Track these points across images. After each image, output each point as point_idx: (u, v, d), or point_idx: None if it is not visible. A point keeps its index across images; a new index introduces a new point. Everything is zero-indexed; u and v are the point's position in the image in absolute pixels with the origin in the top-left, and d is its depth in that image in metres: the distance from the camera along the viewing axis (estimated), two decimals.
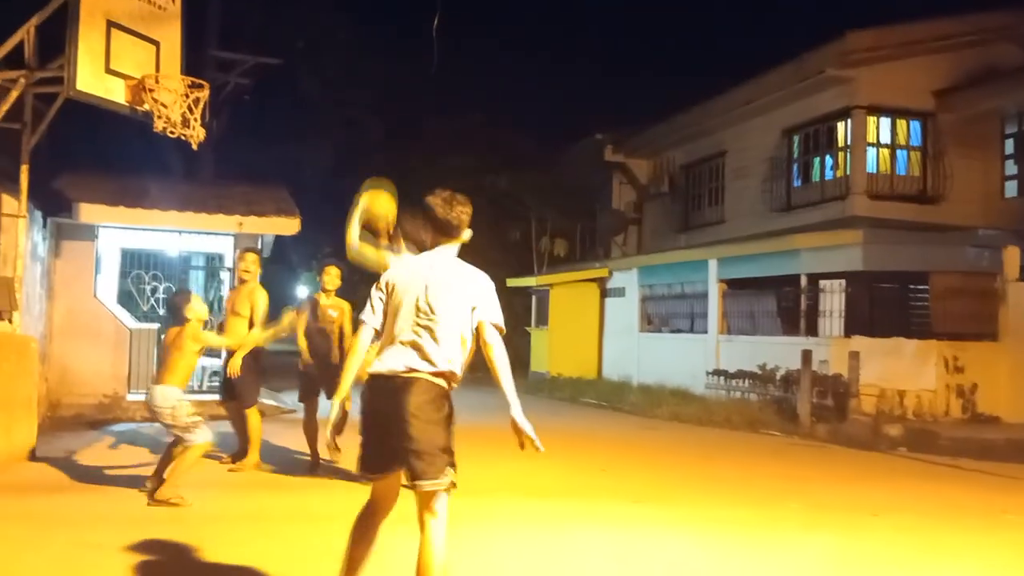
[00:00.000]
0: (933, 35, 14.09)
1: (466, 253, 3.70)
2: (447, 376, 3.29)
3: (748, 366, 12.92)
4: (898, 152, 14.30)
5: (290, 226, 11.32)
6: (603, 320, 17.91)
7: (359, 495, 3.51)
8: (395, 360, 3.26)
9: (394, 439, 3.20)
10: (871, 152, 14.04)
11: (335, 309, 7.17)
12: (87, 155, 15.88)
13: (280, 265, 28.41)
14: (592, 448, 9.19)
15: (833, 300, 12.54)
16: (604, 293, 17.96)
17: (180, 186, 12.58)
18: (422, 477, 3.18)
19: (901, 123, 14.28)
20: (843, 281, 12.44)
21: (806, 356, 11.00)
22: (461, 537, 4.89)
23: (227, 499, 5.95)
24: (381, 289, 3.43)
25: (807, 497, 6.66)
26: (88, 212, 10.19)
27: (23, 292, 8.18)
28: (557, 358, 17.77)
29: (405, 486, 3.29)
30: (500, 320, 3.38)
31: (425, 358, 3.25)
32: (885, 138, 14.24)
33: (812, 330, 12.63)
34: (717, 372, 13.65)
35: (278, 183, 13.03)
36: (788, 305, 13.24)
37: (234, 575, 4.16)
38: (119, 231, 11.13)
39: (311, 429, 6.99)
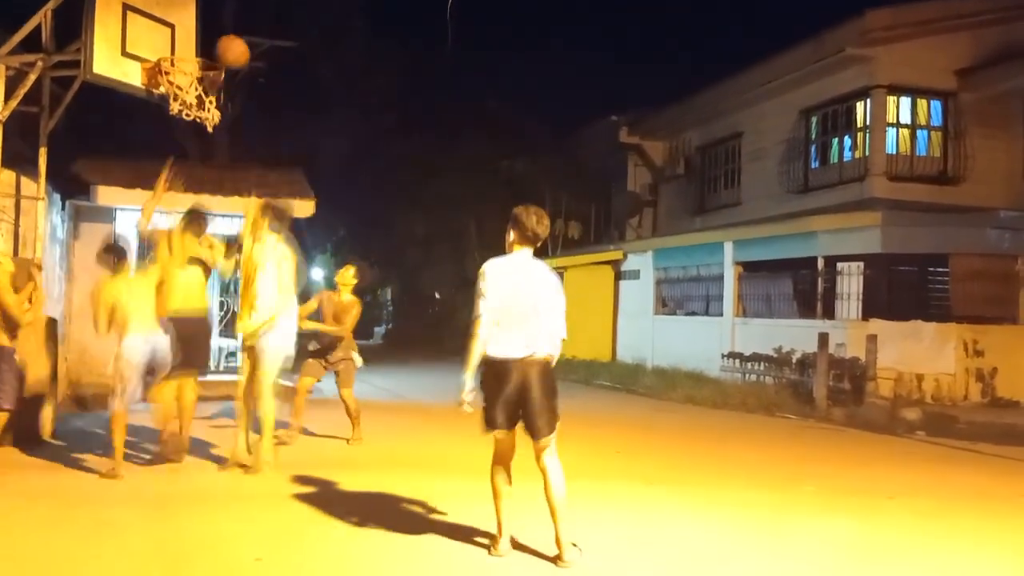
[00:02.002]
0: (954, 13, 13.84)
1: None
2: (550, 358, 4.30)
3: (764, 349, 12.87)
4: (918, 132, 14.12)
5: (305, 208, 11.35)
6: (617, 303, 17.87)
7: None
8: (515, 347, 4.20)
9: (520, 406, 4.21)
10: (890, 132, 13.86)
11: (348, 306, 7.55)
12: (104, 138, 15.97)
13: (294, 247, 28.51)
14: (606, 430, 9.19)
15: (851, 283, 12.45)
16: (619, 276, 17.91)
17: (196, 169, 12.62)
18: (543, 433, 4.20)
19: (921, 103, 14.08)
20: (861, 263, 12.34)
21: (823, 339, 10.94)
22: (474, 518, 4.93)
23: (246, 479, 6.01)
24: (485, 289, 4.24)
25: (823, 480, 6.64)
26: (106, 195, 10.27)
27: (43, 274, 8.26)
28: (571, 340, 17.40)
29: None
30: (564, 334, 4.40)
31: (537, 346, 4.23)
32: (905, 118, 14.05)
33: (829, 313, 12.55)
34: (732, 355, 13.60)
35: (293, 166, 13.05)
36: (805, 288, 13.15)
37: (250, 552, 4.20)
38: (136, 213, 11.17)
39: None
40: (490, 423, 4.26)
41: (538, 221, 4.34)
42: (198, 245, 6.57)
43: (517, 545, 4.42)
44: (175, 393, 6.44)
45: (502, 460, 4.32)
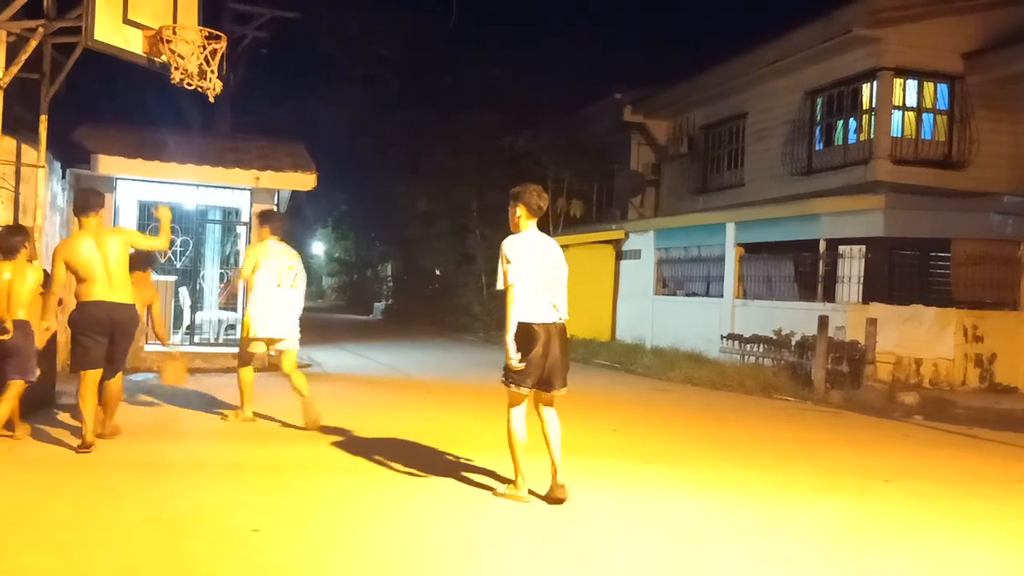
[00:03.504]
0: None
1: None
2: (567, 321, 5.00)
3: (763, 331, 12.86)
4: (924, 115, 14.01)
5: (306, 181, 11.31)
6: (618, 282, 17.85)
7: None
8: (546, 313, 4.85)
9: (550, 364, 4.83)
10: (896, 115, 13.75)
11: None
12: (105, 107, 15.90)
13: (296, 220, 28.46)
14: (604, 409, 9.22)
15: (852, 266, 12.42)
16: (620, 255, 17.88)
17: (197, 140, 12.57)
18: (560, 386, 4.94)
19: (928, 85, 13.96)
20: (863, 247, 12.30)
21: (822, 322, 10.93)
22: (470, 493, 4.96)
23: (249, 449, 6.04)
24: (512, 260, 4.78)
25: (819, 461, 6.67)
26: (107, 164, 10.23)
27: (43, 242, 8.25)
28: (570, 319, 17.71)
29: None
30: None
31: (560, 310, 4.92)
32: (911, 101, 13.94)
33: (830, 296, 12.54)
34: (732, 336, 13.60)
35: (295, 138, 12.99)
36: (806, 270, 13.12)
37: (247, 522, 4.22)
38: (137, 183, 11.16)
39: None
40: (523, 382, 4.79)
41: (539, 196, 4.97)
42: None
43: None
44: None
45: (520, 413, 4.86)
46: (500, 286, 4.81)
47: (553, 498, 4.83)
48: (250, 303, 6.84)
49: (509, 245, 4.84)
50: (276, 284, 6.79)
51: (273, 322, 6.79)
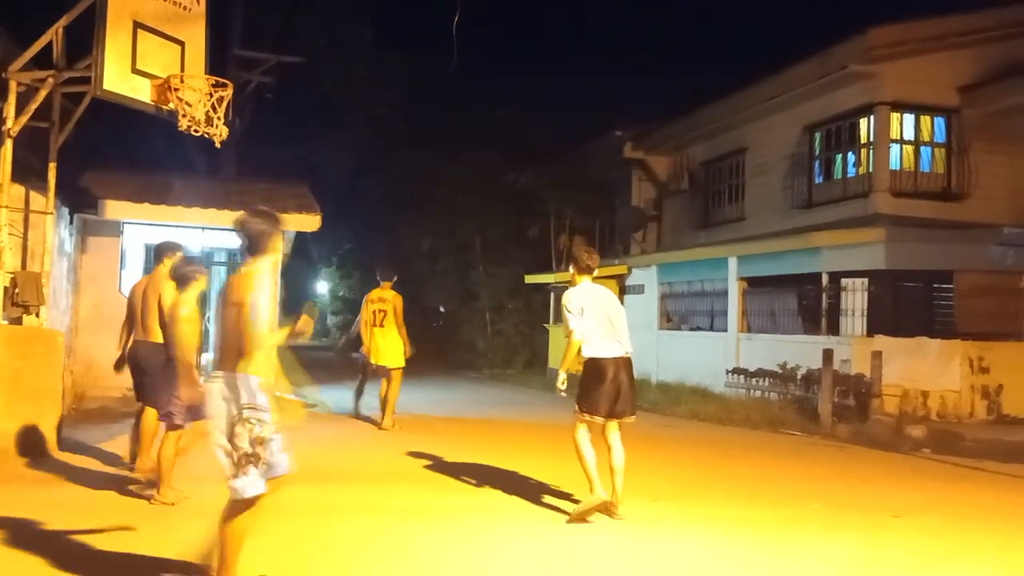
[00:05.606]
0: (958, 30, 13.88)
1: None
2: (631, 354, 5.70)
3: (768, 365, 12.84)
4: (922, 149, 14.13)
5: (311, 223, 11.41)
6: None
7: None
8: (613, 349, 5.55)
9: (621, 393, 5.49)
10: (894, 149, 13.88)
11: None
12: (113, 153, 16.09)
13: (301, 261, 28.66)
14: None
15: (855, 299, 12.44)
16: (623, 290, 17.88)
17: (203, 183, 12.72)
18: (629, 414, 5.62)
19: (925, 119, 14.10)
20: (865, 280, 12.33)
21: (827, 355, 10.92)
22: (475, 532, 4.93)
23: None
24: (575, 310, 5.57)
25: (827, 497, 6.63)
26: (114, 209, 10.34)
27: (50, 287, 8.32)
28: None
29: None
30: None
31: (625, 346, 5.61)
32: (909, 134, 14.08)
33: (834, 329, 12.53)
34: (737, 371, 13.58)
35: (299, 180, 13.14)
36: (809, 303, 13.14)
37: (250, 563, 4.21)
38: (144, 227, 11.26)
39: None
40: (596, 411, 5.46)
41: (589, 256, 5.80)
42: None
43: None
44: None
45: (585, 434, 5.49)
46: (564, 333, 5.58)
47: (610, 514, 5.45)
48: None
49: (568, 297, 5.62)
50: (372, 324, 9.63)
51: (377, 351, 9.62)
